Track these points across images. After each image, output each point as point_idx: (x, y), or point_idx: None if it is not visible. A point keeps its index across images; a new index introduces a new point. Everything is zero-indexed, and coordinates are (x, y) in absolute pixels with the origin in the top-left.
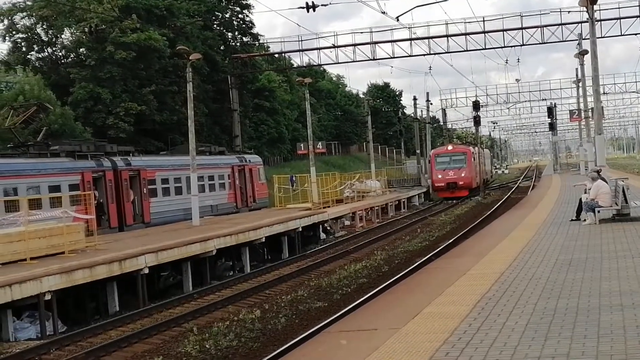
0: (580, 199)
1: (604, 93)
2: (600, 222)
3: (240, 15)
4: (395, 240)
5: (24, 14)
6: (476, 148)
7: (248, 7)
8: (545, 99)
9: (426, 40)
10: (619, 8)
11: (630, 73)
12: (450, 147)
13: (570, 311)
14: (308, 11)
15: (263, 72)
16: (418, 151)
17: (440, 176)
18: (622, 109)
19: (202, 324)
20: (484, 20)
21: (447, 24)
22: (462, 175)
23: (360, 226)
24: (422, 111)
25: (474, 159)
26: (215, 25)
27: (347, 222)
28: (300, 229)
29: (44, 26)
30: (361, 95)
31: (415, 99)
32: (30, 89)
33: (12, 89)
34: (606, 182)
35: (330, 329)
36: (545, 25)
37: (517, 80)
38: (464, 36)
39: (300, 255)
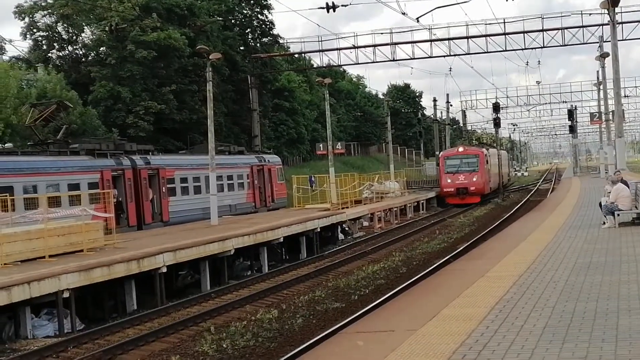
0: (600, 202)
1: (625, 96)
2: (620, 225)
3: (260, 16)
4: (414, 241)
5: (45, 12)
6: (490, 150)
7: (268, 7)
8: (565, 102)
9: (446, 42)
10: None
11: None
12: (461, 149)
13: (588, 314)
14: (328, 11)
15: (283, 72)
16: (437, 152)
17: (449, 180)
18: None
19: (220, 324)
20: (504, 22)
21: (467, 25)
22: (474, 179)
23: (378, 227)
24: (441, 112)
25: (488, 162)
26: (235, 26)
27: (365, 223)
28: (319, 230)
29: (65, 24)
30: (381, 96)
31: (435, 100)
32: (52, 88)
33: (33, 86)
34: (627, 186)
35: (347, 329)
36: (566, 28)
37: (538, 82)
38: (484, 38)
39: (319, 256)
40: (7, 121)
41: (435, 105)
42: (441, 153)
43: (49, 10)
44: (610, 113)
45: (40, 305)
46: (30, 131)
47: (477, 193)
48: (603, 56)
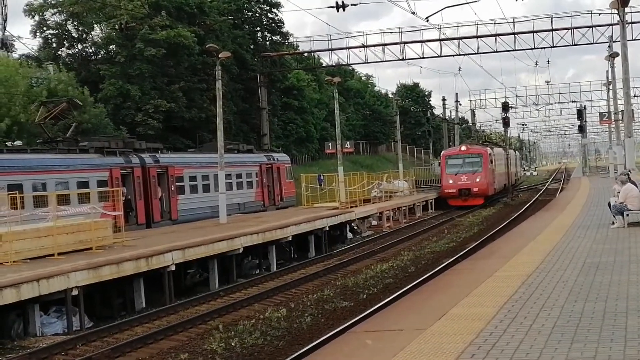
0: (609, 202)
1: (634, 96)
2: (629, 225)
3: (269, 14)
4: (422, 240)
5: (55, 10)
6: (495, 149)
7: (277, 5)
8: (575, 101)
9: (456, 41)
10: None
11: None
12: (463, 148)
13: (597, 314)
14: (338, 10)
15: (292, 70)
16: None
17: (451, 181)
18: None
19: (228, 322)
20: (514, 22)
21: (476, 24)
22: (477, 180)
23: (387, 226)
24: (451, 112)
25: (492, 162)
26: (245, 24)
27: (374, 222)
28: (327, 228)
29: (75, 22)
30: (390, 95)
31: (444, 99)
32: (64, 87)
33: (42, 84)
34: (636, 186)
35: (356, 328)
36: (576, 27)
37: (547, 81)
38: (493, 37)
39: (327, 255)
40: (16, 119)
41: (444, 104)
42: (443, 152)
43: (59, 9)
44: (620, 113)
45: (49, 302)
46: (39, 129)
47: (480, 194)
48: (612, 56)
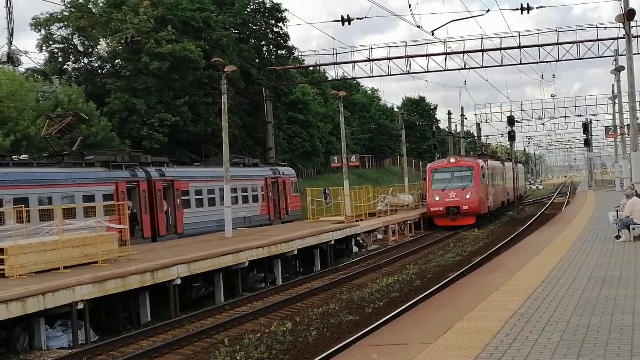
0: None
1: None
2: (635, 239)
3: (275, 28)
4: (428, 254)
5: (61, 24)
6: (490, 161)
7: (283, 20)
8: (580, 115)
9: (461, 55)
10: None
11: None
12: (452, 160)
13: (603, 329)
14: (343, 24)
15: (297, 84)
16: None
17: (437, 198)
18: None
19: (233, 336)
20: (519, 35)
21: (482, 38)
22: (467, 197)
23: (392, 240)
24: (456, 125)
25: (484, 176)
26: (250, 38)
27: (379, 236)
28: (333, 242)
29: (80, 37)
30: (395, 109)
31: (449, 113)
32: (73, 99)
33: (49, 98)
34: None
35: (361, 342)
36: (582, 41)
37: (553, 95)
38: (499, 51)
39: (333, 268)
40: (25, 132)
41: (449, 118)
42: (429, 165)
43: (65, 23)
44: (626, 127)
45: (54, 316)
46: (45, 142)
47: (470, 213)
48: (618, 69)
